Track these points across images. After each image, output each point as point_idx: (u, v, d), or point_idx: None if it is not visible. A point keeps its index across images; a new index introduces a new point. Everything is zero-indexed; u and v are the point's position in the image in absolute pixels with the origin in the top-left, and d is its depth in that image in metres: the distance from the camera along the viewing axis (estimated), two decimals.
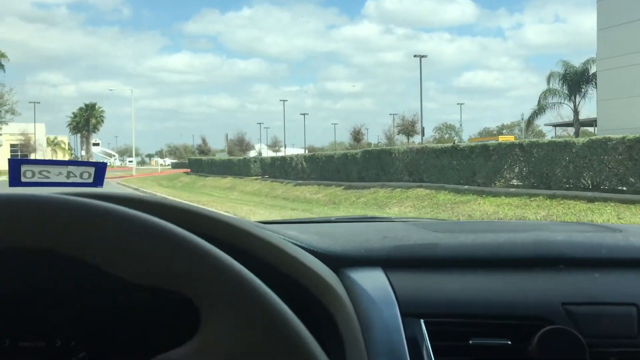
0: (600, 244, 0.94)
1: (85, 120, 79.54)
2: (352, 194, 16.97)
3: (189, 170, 41.15)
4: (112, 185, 29.56)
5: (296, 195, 19.44)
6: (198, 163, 39.01)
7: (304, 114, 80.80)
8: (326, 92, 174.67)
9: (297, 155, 23.22)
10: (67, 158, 77.91)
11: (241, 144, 72.81)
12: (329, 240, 0.89)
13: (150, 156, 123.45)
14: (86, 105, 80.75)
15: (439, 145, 15.98)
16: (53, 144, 75.16)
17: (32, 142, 62.79)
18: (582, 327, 0.74)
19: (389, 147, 17.34)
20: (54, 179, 0.75)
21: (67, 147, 79.90)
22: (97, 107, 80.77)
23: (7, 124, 40.68)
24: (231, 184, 27.87)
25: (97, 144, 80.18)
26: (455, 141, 45.43)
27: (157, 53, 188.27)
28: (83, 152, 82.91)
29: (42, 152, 64.70)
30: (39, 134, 65.62)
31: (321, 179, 20.77)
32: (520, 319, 0.76)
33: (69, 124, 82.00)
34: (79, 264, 0.43)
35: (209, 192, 24.71)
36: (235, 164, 30.97)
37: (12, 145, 65.13)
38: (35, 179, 0.74)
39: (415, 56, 37.75)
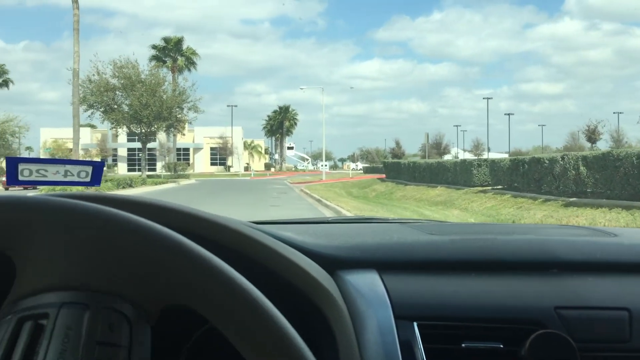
0: (595, 248, 0.93)
1: (279, 123, 78.64)
2: None
3: (383, 175, 34.28)
4: (294, 192, 23.67)
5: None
6: (395, 167, 31.76)
7: (508, 114, 70.63)
8: (522, 94, 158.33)
9: (567, 155, 14.28)
10: (263, 161, 77.97)
11: (438, 147, 64.92)
12: (325, 242, 0.88)
13: (342, 160, 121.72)
14: (280, 108, 79.96)
15: None
16: (250, 147, 75.07)
17: (229, 145, 62.04)
18: (574, 332, 0.74)
19: None
20: (51, 177, 0.75)
21: (263, 151, 79.68)
22: (290, 109, 79.44)
23: (190, 122, 38.22)
24: (444, 196, 19.90)
25: (292, 148, 78.63)
26: None
27: (350, 61, 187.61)
28: (277, 156, 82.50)
29: (238, 156, 63.79)
30: (236, 137, 64.86)
31: (622, 197, 11.74)
32: (513, 322, 0.75)
33: (264, 127, 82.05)
34: None
35: (414, 207, 17.07)
36: (448, 169, 22.82)
37: (211, 149, 65.71)
38: (32, 178, 0.74)
39: None
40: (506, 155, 39.29)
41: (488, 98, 68.49)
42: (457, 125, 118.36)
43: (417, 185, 24.97)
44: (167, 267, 0.44)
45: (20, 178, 0.73)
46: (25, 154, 65.01)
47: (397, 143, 71.65)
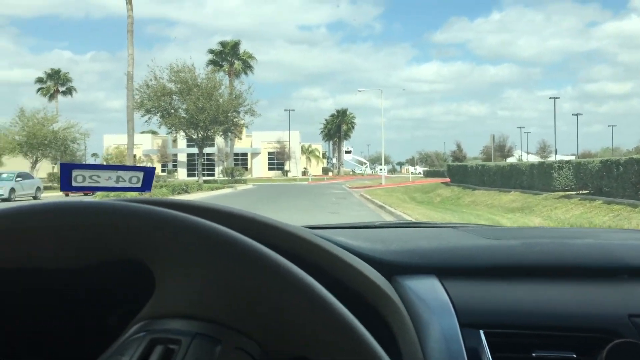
0: None
1: (337, 127, 77.57)
2: None
3: (447, 179, 32.40)
4: (353, 198, 22.34)
5: None
6: (461, 171, 29.87)
7: (576, 115, 66.56)
8: (587, 94, 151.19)
9: None
10: (321, 165, 77.11)
11: (502, 150, 61.98)
12: (381, 247, 0.87)
13: (400, 164, 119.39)
14: (337, 112, 78.93)
15: None
16: (307, 151, 74.36)
17: (286, 150, 61.44)
18: None
19: None
20: (103, 183, 0.77)
21: (321, 155, 78.81)
22: (347, 113, 78.18)
23: (247, 126, 37.53)
24: (520, 202, 18.01)
25: (349, 152, 77.47)
26: None
27: (407, 64, 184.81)
28: (334, 160, 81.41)
29: (296, 160, 63.07)
30: (294, 142, 64.19)
31: None
32: (585, 331, 0.71)
33: (322, 131, 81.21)
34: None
35: (487, 215, 15.34)
36: (522, 172, 20.83)
37: (269, 153, 65.32)
38: (85, 184, 0.76)
39: None
40: (573, 158, 36.58)
41: (555, 98, 64.66)
42: (520, 127, 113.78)
43: (486, 190, 23.07)
44: (308, 320, 0.42)
45: (74, 184, 0.74)
46: (91, 161, 66.88)
47: (459, 146, 69.08)
